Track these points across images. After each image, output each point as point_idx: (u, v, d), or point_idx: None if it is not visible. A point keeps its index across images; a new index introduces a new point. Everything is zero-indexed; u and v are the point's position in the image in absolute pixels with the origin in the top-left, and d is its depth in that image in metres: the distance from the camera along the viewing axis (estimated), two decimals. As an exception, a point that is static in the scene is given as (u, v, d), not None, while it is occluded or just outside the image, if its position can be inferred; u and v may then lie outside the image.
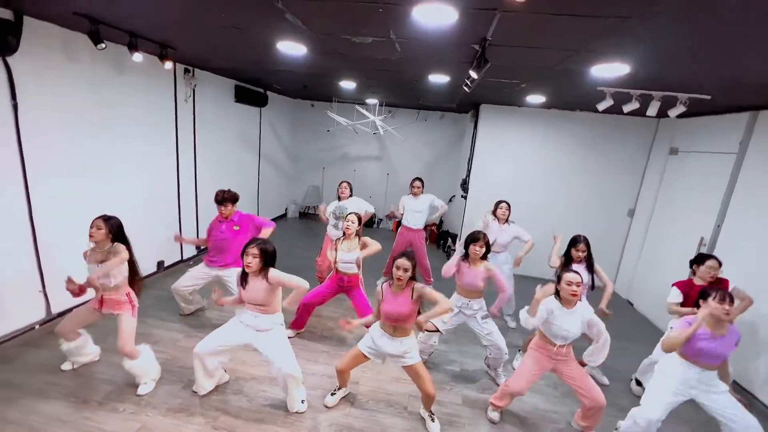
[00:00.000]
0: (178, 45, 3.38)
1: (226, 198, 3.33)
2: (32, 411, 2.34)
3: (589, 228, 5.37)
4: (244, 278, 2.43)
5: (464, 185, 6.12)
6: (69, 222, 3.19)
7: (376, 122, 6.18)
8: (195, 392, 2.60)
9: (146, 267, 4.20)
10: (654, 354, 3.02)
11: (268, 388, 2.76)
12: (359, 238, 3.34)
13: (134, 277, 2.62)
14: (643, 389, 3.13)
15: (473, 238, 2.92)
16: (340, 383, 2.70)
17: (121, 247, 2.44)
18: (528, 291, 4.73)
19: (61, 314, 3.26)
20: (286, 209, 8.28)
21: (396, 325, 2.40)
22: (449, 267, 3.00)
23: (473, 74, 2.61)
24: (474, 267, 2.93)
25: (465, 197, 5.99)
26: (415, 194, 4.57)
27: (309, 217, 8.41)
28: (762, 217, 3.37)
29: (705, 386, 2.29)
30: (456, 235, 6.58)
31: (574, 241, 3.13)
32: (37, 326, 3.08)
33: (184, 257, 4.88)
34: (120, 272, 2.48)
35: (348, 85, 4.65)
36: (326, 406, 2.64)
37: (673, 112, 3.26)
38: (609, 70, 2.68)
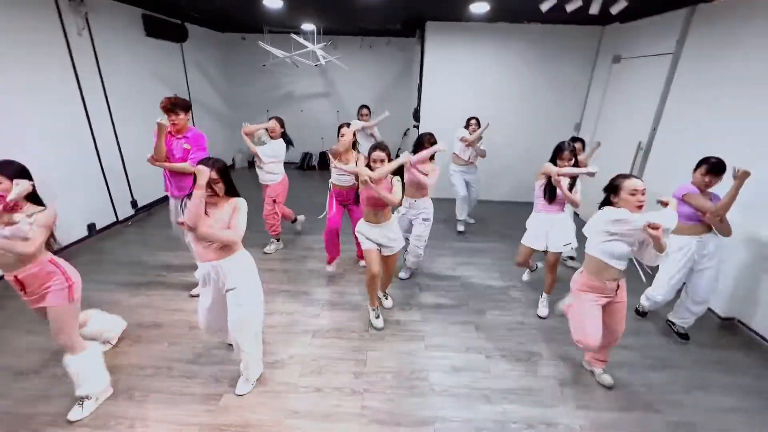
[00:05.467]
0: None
1: (176, 104, 2.75)
2: None
3: (538, 144, 5.47)
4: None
5: (416, 114, 5.90)
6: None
7: (316, 52, 5.62)
8: None
9: (75, 232, 3.85)
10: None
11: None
12: (356, 152, 3.19)
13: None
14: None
15: (420, 143, 3.12)
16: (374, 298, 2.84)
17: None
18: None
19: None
20: (234, 160, 7.73)
21: (377, 210, 2.61)
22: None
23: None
24: (426, 166, 3.10)
25: (417, 127, 5.80)
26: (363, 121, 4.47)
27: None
28: (695, 115, 3.49)
29: (704, 254, 2.59)
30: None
31: (559, 150, 2.76)
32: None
33: (120, 218, 4.47)
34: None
35: (274, 3, 4.07)
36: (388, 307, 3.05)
37: (614, 9, 3.15)
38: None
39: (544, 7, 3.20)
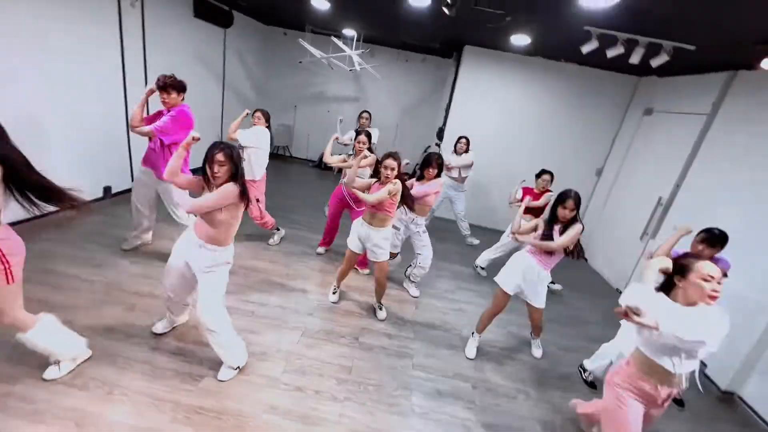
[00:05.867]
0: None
1: (168, 83, 2.78)
2: None
3: (558, 184, 5.44)
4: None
5: (440, 133, 5.94)
6: None
7: (353, 57, 5.73)
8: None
9: (91, 192, 3.92)
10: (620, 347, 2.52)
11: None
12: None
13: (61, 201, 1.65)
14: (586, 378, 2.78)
15: (427, 162, 3.18)
16: (338, 284, 3.15)
17: None
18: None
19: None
20: (254, 148, 7.84)
21: (374, 212, 2.76)
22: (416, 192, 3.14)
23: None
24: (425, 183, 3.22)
25: (439, 145, 5.83)
26: (363, 126, 4.67)
27: (279, 158, 8.04)
28: (721, 179, 3.44)
29: None
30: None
31: (564, 197, 2.49)
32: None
33: (136, 185, 4.54)
34: None
35: (321, 4, 4.18)
36: (332, 302, 3.11)
37: (655, 62, 3.15)
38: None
39: (585, 49, 3.21)
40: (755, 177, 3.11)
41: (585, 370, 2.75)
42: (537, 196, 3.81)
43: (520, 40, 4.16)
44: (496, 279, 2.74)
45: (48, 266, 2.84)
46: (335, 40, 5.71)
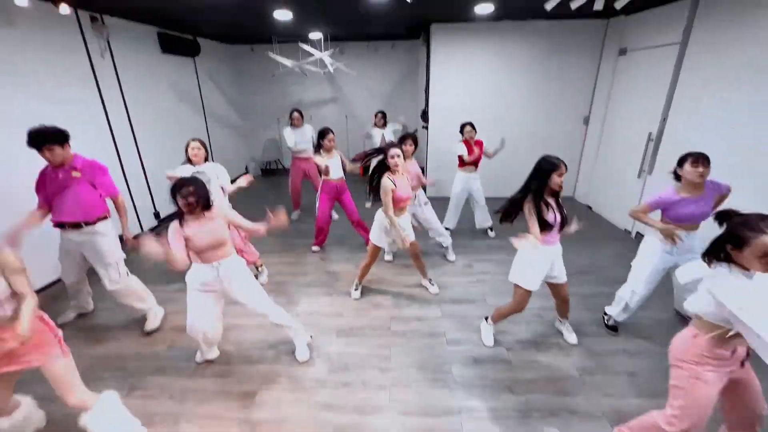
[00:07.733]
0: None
1: (44, 138, 2.24)
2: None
3: (548, 140, 5.53)
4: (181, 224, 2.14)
5: (424, 115, 5.99)
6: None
7: (324, 59, 5.75)
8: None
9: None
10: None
11: (254, 334, 2.82)
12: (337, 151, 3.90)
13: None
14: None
15: (402, 139, 3.46)
16: (361, 278, 3.30)
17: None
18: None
19: None
20: (246, 168, 7.92)
21: (405, 206, 2.97)
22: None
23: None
24: (407, 162, 3.41)
25: (426, 128, 5.89)
26: (296, 125, 4.80)
27: (272, 173, 8.11)
28: (705, 104, 3.50)
29: (688, 249, 2.38)
30: (423, 168, 6.57)
31: (555, 166, 2.23)
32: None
33: (144, 229, 4.65)
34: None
35: (283, 15, 4.21)
36: (355, 299, 3.26)
37: (618, 3, 3.18)
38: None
39: (549, 5, 3.24)
40: (737, 98, 3.17)
41: (606, 315, 2.86)
42: (471, 147, 4.04)
43: (484, 8, 4.19)
44: (518, 282, 2.40)
45: (87, 323, 2.97)
46: (303, 45, 5.73)
